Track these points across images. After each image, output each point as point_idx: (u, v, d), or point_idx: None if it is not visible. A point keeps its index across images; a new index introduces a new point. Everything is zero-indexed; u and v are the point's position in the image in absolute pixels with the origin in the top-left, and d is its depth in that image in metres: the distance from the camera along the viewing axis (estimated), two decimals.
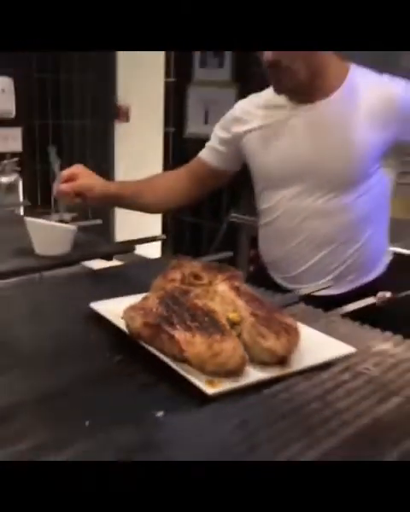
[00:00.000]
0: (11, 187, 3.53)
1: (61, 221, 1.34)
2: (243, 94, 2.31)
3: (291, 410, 0.67)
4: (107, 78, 4.60)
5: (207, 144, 1.47)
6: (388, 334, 0.91)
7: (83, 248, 1.32)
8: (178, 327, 0.75)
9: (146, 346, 0.79)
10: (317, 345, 0.83)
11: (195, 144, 2.34)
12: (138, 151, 4.61)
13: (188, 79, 2.46)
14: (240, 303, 0.83)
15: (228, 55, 2.23)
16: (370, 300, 1.06)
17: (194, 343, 0.72)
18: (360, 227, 1.30)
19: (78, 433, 0.60)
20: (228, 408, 0.67)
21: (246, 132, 1.37)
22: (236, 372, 0.72)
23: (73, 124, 4.55)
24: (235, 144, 1.40)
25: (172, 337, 0.74)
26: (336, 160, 1.25)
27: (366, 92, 1.24)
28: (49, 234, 1.25)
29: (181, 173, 1.50)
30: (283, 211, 1.33)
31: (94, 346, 0.84)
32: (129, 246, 1.42)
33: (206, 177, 1.46)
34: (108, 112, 4.70)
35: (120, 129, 4.76)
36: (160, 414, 0.65)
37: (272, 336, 0.76)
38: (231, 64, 2.24)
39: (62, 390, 0.70)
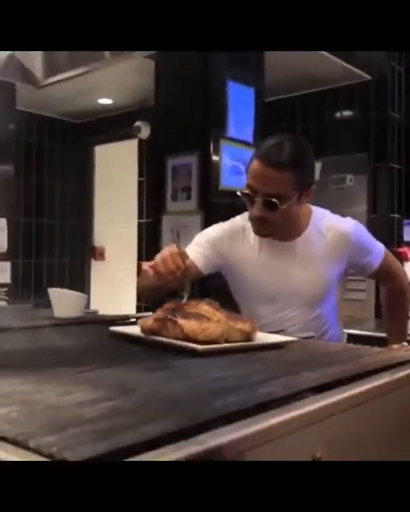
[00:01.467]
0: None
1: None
2: (207, 218, 2.87)
3: (249, 361, 1.04)
4: (84, 223, 5.21)
5: (197, 250, 1.63)
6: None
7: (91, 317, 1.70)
8: (178, 317, 1.13)
9: (155, 337, 1.15)
10: (272, 338, 1.21)
11: None
12: (112, 286, 5.07)
13: (160, 213, 3.00)
14: (219, 314, 1.21)
15: (194, 189, 2.80)
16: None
17: (190, 323, 1.10)
18: (326, 327, 1.68)
19: (124, 366, 0.95)
20: (211, 360, 1.03)
21: (232, 256, 1.64)
22: (217, 340, 1.09)
23: (53, 262, 5.01)
24: (217, 263, 1.65)
25: (175, 322, 1.12)
26: (305, 285, 1.61)
27: (325, 231, 1.60)
28: (66, 298, 1.62)
29: None
30: (265, 322, 1.59)
31: (120, 345, 1.20)
32: (125, 317, 1.79)
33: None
34: (85, 252, 5.24)
35: (96, 266, 5.27)
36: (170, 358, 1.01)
37: (239, 321, 1.14)
38: (197, 197, 2.81)
39: (120, 365, 1.06)
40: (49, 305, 1.66)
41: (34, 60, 2.09)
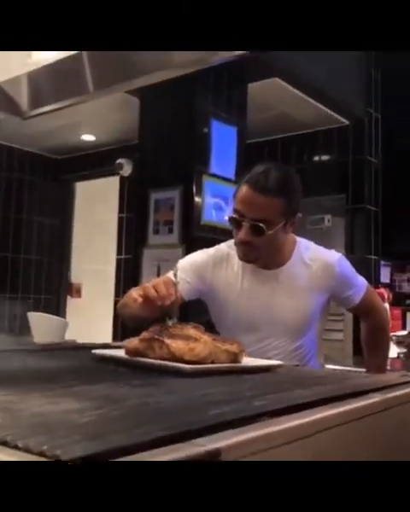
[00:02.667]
0: None
1: None
2: (188, 252, 2.86)
3: (238, 380, 1.02)
4: (62, 259, 5.16)
5: (182, 277, 1.58)
6: None
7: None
8: (165, 337, 1.11)
9: (139, 359, 1.12)
10: (259, 361, 1.20)
11: None
12: (88, 324, 4.99)
13: (142, 246, 3.00)
14: (205, 337, 1.19)
15: (177, 223, 2.81)
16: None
17: (177, 343, 1.08)
18: (307, 357, 1.67)
19: (109, 382, 0.93)
20: (198, 379, 1.01)
21: (215, 282, 1.63)
22: (204, 360, 1.07)
23: (29, 297, 4.94)
24: (199, 289, 1.64)
25: (162, 342, 1.09)
26: (288, 315, 1.61)
27: (309, 262, 1.62)
28: (47, 324, 1.59)
29: None
30: (248, 351, 1.63)
31: (103, 367, 1.16)
32: (106, 345, 1.75)
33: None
34: (62, 288, 5.18)
35: (72, 303, 5.20)
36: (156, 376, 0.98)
37: (227, 343, 1.12)
38: (179, 230, 2.82)
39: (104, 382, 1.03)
40: (24, 333, 1.62)
41: (20, 91, 2.11)
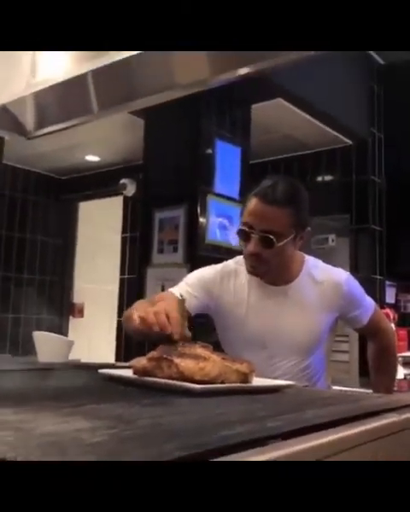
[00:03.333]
0: None
1: None
2: (192, 270, 2.85)
3: (249, 400, 1.00)
4: (64, 278, 5.15)
5: (188, 291, 1.61)
6: None
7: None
8: (174, 356, 1.09)
9: (148, 378, 1.11)
10: (269, 381, 1.18)
11: None
12: (90, 344, 4.96)
13: (146, 265, 2.99)
14: (214, 356, 1.18)
15: (181, 242, 2.81)
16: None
17: (186, 362, 1.06)
18: (316, 377, 1.65)
19: (119, 402, 0.91)
20: (209, 399, 0.99)
21: (223, 297, 1.62)
22: (214, 380, 1.05)
23: (31, 317, 4.91)
24: (206, 304, 1.62)
25: (171, 361, 1.08)
26: (296, 333, 1.59)
27: (318, 279, 1.60)
28: (52, 343, 1.57)
29: None
30: (261, 370, 1.53)
31: (112, 386, 1.14)
32: (111, 365, 1.74)
33: None
34: (64, 308, 5.16)
35: (74, 323, 5.17)
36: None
37: (236, 362, 1.11)
38: (184, 249, 2.81)
39: (114, 401, 1.01)
40: (27, 353, 1.61)
41: (26, 111, 2.13)
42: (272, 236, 1.47)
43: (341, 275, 1.65)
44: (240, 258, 1.64)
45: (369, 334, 1.79)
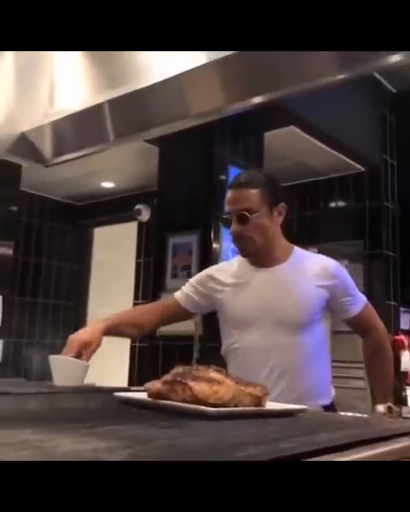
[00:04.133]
0: None
1: None
2: None
3: (263, 423, 1.01)
4: (79, 303, 5.19)
5: (184, 290, 1.85)
6: None
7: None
8: (188, 380, 1.10)
9: (163, 401, 1.12)
10: (282, 406, 1.18)
11: (165, 340, 2.80)
12: (103, 370, 4.96)
13: (160, 290, 3.01)
14: (228, 380, 1.19)
15: (194, 267, 2.83)
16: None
17: (200, 385, 1.08)
18: (309, 361, 1.69)
19: (135, 424, 0.92)
20: (223, 422, 1.00)
21: (221, 288, 1.78)
22: (228, 403, 1.06)
23: (45, 342, 4.94)
24: (209, 297, 1.80)
25: (185, 385, 1.09)
26: (290, 308, 1.68)
27: (309, 263, 1.74)
28: (67, 367, 1.59)
29: (157, 307, 1.97)
30: (253, 348, 1.69)
31: (127, 409, 1.16)
32: (126, 388, 1.75)
33: (177, 313, 1.86)
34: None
35: None
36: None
37: (250, 386, 1.12)
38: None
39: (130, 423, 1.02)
40: (41, 378, 1.62)
41: (44, 139, 2.18)
42: (246, 212, 1.65)
43: (330, 260, 1.77)
44: (214, 269, 1.87)
45: (361, 331, 1.83)
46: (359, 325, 1.80)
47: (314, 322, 1.71)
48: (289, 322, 1.68)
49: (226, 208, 1.72)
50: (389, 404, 1.67)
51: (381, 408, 1.66)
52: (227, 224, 1.73)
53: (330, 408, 1.67)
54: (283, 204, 1.74)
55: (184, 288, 1.87)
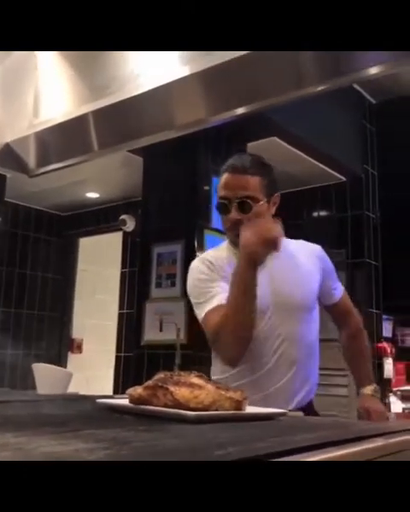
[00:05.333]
0: None
1: None
2: (191, 306, 2.88)
3: (242, 426, 1.03)
4: (64, 314, 5.17)
5: (219, 291, 1.62)
6: None
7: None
8: (169, 384, 1.12)
9: (144, 406, 1.14)
10: (262, 410, 1.21)
11: (150, 349, 2.80)
12: (88, 380, 4.95)
13: (144, 299, 3.02)
14: (209, 385, 1.21)
15: (179, 276, 2.86)
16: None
17: (181, 390, 1.10)
18: (311, 352, 1.70)
19: (115, 428, 0.94)
20: (203, 426, 1.02)
21: (224, 275, 1.64)
22: (209, 407, 1.08)
23: (30, 353, 4.91)
24: (227, 278, 1.62)
25: (166, 389, 1.11)
26: (295, 291, 1.66)
27: (297, 247, 1.75)
28: (51, 375, 1.60)
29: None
30: (263, 337, 1.63)
31: (108, 415, 1.17)
32: (109, 396, 1.76)
33: None
34: (63, 344, 5.16)
35: (73, 359, 5.16)
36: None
37: (230, 390, 1.14)
38: (182, 283, 2.85)
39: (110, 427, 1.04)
40: (25, 387, 1.63)
41: (28, 149, 2.20)
42: (249, 200, 1.59)
43: (314, 244, 1.80)
44: (208, 256, 1.71)
45: (341, 316, 1.85)
46: (340, 311, 1.83)
47: (315, 307, 1.72)
48: (295, 308, 1.66)
49: (222, 193, 1.63)
50: (375, 385, 1.73)
51: (367, 390, 1.71)
52: (226, 210, 1.63)
53: (310, 410, 1.69)
54: (278, 194, 1.71)
55: (212, 291, 1.64)
